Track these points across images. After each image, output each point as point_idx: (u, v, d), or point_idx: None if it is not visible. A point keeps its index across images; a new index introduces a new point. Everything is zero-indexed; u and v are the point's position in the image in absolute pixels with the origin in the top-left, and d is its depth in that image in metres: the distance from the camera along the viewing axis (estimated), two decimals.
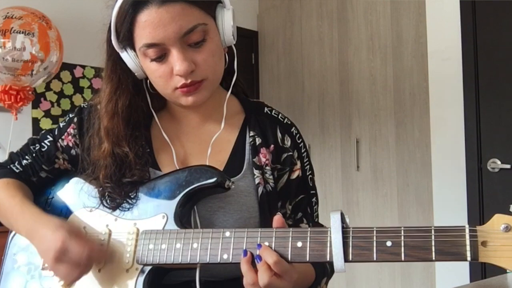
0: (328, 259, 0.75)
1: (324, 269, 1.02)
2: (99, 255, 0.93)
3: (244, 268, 0.80)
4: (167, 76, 0.94)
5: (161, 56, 0.93)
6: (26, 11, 2.79)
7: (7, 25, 2.69)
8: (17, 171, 1.08)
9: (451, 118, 2.89)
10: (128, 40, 0.95)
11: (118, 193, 0.97)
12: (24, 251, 1.06)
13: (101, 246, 0.95)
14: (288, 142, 1.05)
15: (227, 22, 0.96)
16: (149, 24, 0.90)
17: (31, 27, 2.74)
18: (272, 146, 1.03)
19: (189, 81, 0.93)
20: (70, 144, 1.08)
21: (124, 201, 0.97)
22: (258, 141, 1.02)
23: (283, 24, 4.00)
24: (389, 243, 0.72)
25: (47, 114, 3.18)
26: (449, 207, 2.90)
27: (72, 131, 1.08)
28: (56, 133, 1.10)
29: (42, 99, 3.16)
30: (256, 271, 0.79)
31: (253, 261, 0.80)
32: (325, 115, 3.65)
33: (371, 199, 3.35)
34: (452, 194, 2.88)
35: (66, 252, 0.88)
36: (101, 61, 1.02)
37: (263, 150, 1.02)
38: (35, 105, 3.13)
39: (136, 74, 1.00)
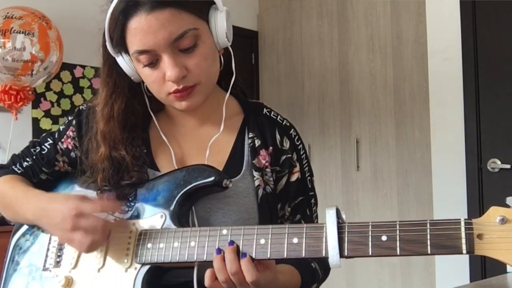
0: (323, 255, 0.75)
1: (314, 275, 1.01)
2: (113, 207, 0.93)
3: (218, 265, 0.81)
4: (160, 81, 0.94)
5: (153, 62, 0.93)
6: (26, 11, 2.80)
7: (7, 25, 2.69)
8: (18, 172, 1.09)
9: (451, 118, 2.89)
10: (121, 46, 0.95)
11: (116, 195, 0.97)
12: (26, 253, 1.06)
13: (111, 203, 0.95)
14: (287, 144, 1.04)
15: (220, 24, 0.96)
16: (139, 31, 0.90)
17: (31, 27, 2.74)
18: (271, 148, 1.03)
19: (181, 86, 0.93)
20: (70, 147, 1.09)
21: (123, 204, 0.97)
22: (257, 142, 1.02)
23: (283, 24, 4.01)
24: (384, 238, 0.71)
25: (47, 114, 3.18)
26: (449, 207, 2.90)
27: (71, 133, 1.09)
28: (56, 136, 1.11)
29: (42, 99, 3.16)
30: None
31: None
32: (325, 115, 3.65)
33: (371, 199, 3.35)
34: (452, 194, 2.88)
35: (82, 217, 0.87)
36: (100, 62, 1.03)
37: (262, 152, 1.02)
38: (35, 105, 3.12)
39: (132, 78, 1.00)
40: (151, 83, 0.96)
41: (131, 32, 0.91)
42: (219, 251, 0.82)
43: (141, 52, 0.92)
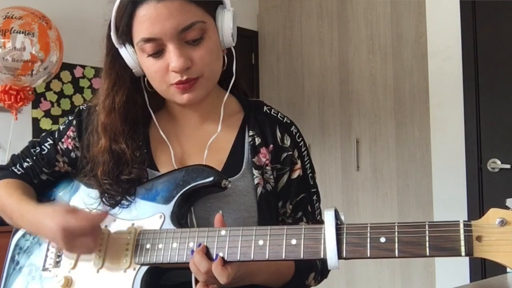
0: (322, 256, 0.75)
1: (312, 264, 1.01)
2: (99, 218, 0.93)
3: (198, 257, 0.81)
4: (162, 71, 0.94)
5: (158, 52, 0.93)
6: (26, 11, 2.80)
7: (7, 25, 2.69)
8: (18, 173, 1.09)
9: (451, 118, 2.89)
10: (126, 35, 0.95)
11: (116, 190, 0.98)
12: (26, 253, 1.07)
13: (98, 213, 0.96)
14: (287, 142, 1.04)
15: (226, 23, 0.96)
16: (147, 19, 0.90)
17: (31, 27, 2.74)
18: (271, 145, 1.02)
19: (184, 78, 0.93)
20: (70, 147, 1.09)
21: (123, 199, 0.97)
22: (257, 141, 1.02)
23: (283, 24, 4.00)
24: (383, 239, 0.71)
25: (47, 114, 3.18)
26: (449, 207, 2.90)
27: (71, 134, 1.08)
28: (56, 135, 1.11)
29: (42, 99, 3.16)
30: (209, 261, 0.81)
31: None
32: (325, 115, 3.65)
33: (371, 199, 3.35)
34: (452, 194, 2.88)
35: (70, 232, 0.89)
36: (101, 59, 1.03)
37: (263, 150, 1.02)
38: (35, 105, 3.12)
39: (133, 70, 1.00)
40: (154, 73, 0.95)
41: (138, 19, 0.91)
42: (193, 252, 0.83)
43: (148, 40, 0.92)
